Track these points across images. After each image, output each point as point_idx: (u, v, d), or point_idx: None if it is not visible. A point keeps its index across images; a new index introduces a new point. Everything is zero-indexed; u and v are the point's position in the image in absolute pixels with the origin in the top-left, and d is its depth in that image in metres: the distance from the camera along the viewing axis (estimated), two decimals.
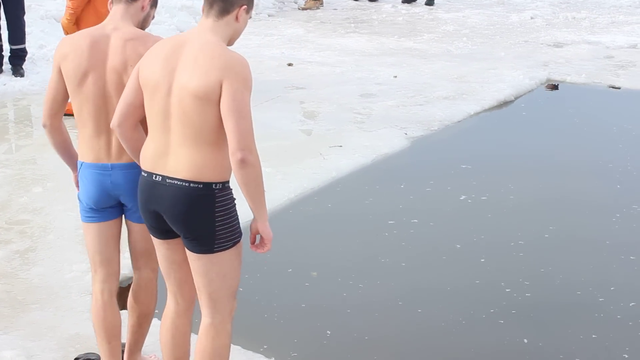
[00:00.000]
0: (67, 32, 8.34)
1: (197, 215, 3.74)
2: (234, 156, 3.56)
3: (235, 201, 3.80)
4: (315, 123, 9.27)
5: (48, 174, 7.62)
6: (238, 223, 3.83)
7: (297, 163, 7.77)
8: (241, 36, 4.08)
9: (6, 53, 10.60)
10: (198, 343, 3.95)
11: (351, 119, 8.98)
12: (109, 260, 4.40)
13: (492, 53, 12.20)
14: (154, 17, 4.43)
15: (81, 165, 4.26)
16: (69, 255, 6.07)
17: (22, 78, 10.42)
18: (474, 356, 5.08)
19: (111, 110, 4.03)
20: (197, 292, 3.94)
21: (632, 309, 5.54)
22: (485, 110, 9.71)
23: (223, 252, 3.81)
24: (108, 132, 4.11)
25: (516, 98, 10.23)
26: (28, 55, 10.69)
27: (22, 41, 10.56)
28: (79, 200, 4.35)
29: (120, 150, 4.10)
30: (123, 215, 4.36)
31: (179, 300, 4.09)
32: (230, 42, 3.83)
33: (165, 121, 3.72)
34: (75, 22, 8.30)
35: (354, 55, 11.85)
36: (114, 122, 3.89)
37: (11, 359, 4.75)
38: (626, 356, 5.02)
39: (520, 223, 6.87)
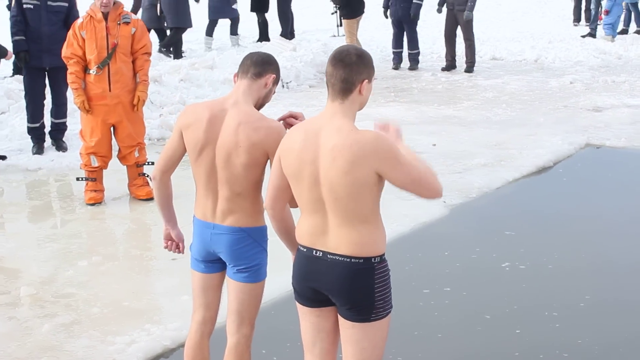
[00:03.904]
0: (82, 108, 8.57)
1: (358, 287, 3.88)
2: (433, 195, 3.89)
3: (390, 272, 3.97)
4: None
5: (93, 247, 7.75)
6: (391, 294, 3.97)
7: None
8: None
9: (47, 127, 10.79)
10: None
11: (390, 189, 8.98)
12: (208, 305, 4.70)
13: (531, 119, 12.22)
14: (274, 92, 4.66)
15: (193, 218, 4.60)
16: (112, 327, 6.11)
17: (65, 153, 10.56)
18: None
19: (219, 178, 4.41)
20: None
21: None
22: (524, 177, 9.71)
23: (378, 321, 3.93)
24: (215, 195, 4.45)
25: (555, 164, 10.21)
26: (68, 131, 10.86)
27: (64, 115, 10.79)
28: (190, 249, 4.69)
29: (224, 213, 4.44)
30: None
31: None
32: (357, 111, 3.96)
33: (319, 205, 3.88)
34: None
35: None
36: (267, 204, 4.15)
37: None
38: None
39: (558, 292, 6.81)
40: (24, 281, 7.01)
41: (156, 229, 8.02)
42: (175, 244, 4.87)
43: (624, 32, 19.33)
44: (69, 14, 10.17)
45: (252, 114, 4.39)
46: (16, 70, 13.04)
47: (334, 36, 18.95)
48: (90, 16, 8.48)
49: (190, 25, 17.13)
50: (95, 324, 6.19)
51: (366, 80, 3.90)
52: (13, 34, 10.23)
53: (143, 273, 7.27)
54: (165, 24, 17.03)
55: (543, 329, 6.17)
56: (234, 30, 18.71)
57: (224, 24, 18.81)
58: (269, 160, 4.33)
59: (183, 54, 17.01)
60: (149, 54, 8.81)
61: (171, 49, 17.02)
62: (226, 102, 4.47)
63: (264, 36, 19.04)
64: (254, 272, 4.51)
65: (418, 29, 16.32)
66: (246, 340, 4.60)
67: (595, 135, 11.20)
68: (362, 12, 15.99)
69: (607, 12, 18.21)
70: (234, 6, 18.08)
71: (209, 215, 4.51)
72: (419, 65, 16.45)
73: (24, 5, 10.13)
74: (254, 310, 4.60)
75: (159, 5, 16.92)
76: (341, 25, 17.53)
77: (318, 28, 20.18)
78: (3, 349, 5.84)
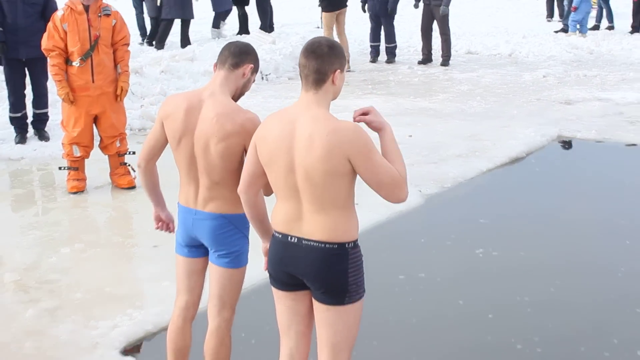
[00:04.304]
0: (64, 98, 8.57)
1: (333, 271, 3.92)
2: (395, 200, 3.88)
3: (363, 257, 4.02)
4: None
5: (75, 235, 7.75)
6: (364, 279, 4.02)
7: None
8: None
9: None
10: None
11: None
12: (191, 290, 4.74)
13: (505, 111, 12.28)
14: (254, 81, 4.68)
15: (178, 205, 4.66)
16: (95, 312, 6.14)
17: (47, 143, 10.55)
18: None
19: (198, 167, 4.47)
20: (319, 343, 4.05)
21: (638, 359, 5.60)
22: (498, 167, 9.77)
23: (352, 304, 3.98)
24: (196, 182, 4.50)
25: (527, 154, 10.26)
26: (50, 121, 10.85)
27: (45, 106, 10.78)
28: (176, 234, 4.74)
29: (205, 200, 4.50)
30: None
31: (294, 355, 4.19)
32: (330, 101, 3.99)
33: (294, 192, 3.91)
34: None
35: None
36: (240, 189, 4.17)
37: None
38: None
39: (526, 278, 6.88)
40: (8, 267, 7.01)
41: (137, 216, 8.07)
42: (165, 224, 4.93)
43: (596, 27, 19.45)
44: (46, 6, 10.10)
45: (227, 105, 4.41)
46: None
47: (318, 27, 18.91)
48: (71, 8, 8.40)
49: (192, 17, 17.20)
50: (78, 309, 6.21)
51: (338, 70, 3.93)
52: None
53: (125, 260, 7.29)
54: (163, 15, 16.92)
55: (515, 313, 6.24)
56: (216, 24, 18.67)
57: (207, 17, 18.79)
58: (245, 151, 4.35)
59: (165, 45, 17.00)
60: (128, 44, 8.81)
61: (151, 40, 17.05)
62: (203, 93, 4.49)
63: (243, 29, 19.00)
64: (235, 257, 4.55)
65: (395, 23, 16.36)
66: (227, 324, 4.64)
67: (566, 128, 11.26)
68: (343, 6, 15.92)
69: (575, 9, 18.31)
70: None
71: (191, 201, 4.56)
72: (396, 59, 16.51)
73: None
74: (235, 295, 4.64)
75: None
76: None
77: (297, 22, 20.20)
78: None
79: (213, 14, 18.77)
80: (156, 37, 16.94)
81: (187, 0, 16.86)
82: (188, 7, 16.92)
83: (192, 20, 17.36)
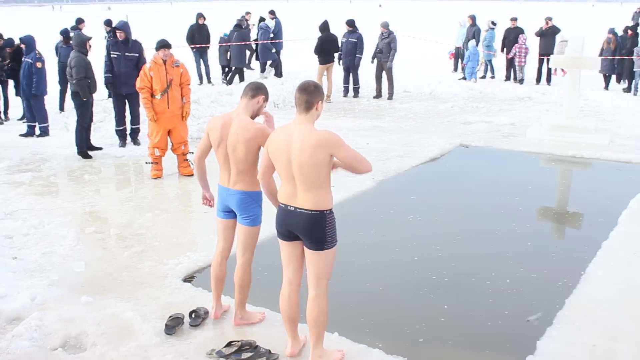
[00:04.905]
0: (151, 119, 8.53)
1: (315, 228, 3.90)
2: (365, 170, 3.93)
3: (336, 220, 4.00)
4: None
5: (155, 205, 7.70)
6: (336, 234, 4.01)
7: None
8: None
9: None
10: (309, 307, 4.06)
11: (341, 170, 8.99)
12: (226, 239, 4.70)
13: (427, 129, 12.21)
14: (265, 107, 4.64)
15: (218, 185, 4.59)
16: (167, 254, 6.12)
17: (139, 147, 10.50)
18: (415, 314, 5.07)
19: (230, 161, 4.43)
20: (308, 275, 4.04)
21: (507, 285, 5.56)
22: (422, 163, 9.69)
23: (328, 250, 3.97)
24: (229, 171, 4.48)
25: (441, 155, 10.20)
26: (140, 132, 10.78)
27: (138, 122, 10.69)
28: (217, 204, 4.67)
29: (234, 182, 4.47)
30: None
31: (292, 282, 4.17)
32: (315, 120, 3.98)
33: (291, 178, 3.92)
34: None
35: (342, 130, 11.72)
36: (259, 176, 4.18)
37: (131, 318, 4.80)
38: (507, 312, 5.06)
39: (439, 233, 6.86)
40: (112, 225, 6.99)
41: (194, 194, 8.00)
42: (208, 201, 4.88)
43: (484, 77, 19.38)
44: (139, 60, 10.08)
45: (246, 121, 4.42)
46: (109, 95, 12.95)
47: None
48: (155, 62, 8.45)
49: (247, 66, 17.59)
50: (156, 252, 6.20)
51: (320, 102, 3.97)
52: (104, 72, 10.17)
53: (186, 221, 7.23)
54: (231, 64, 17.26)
55: (431, 257, 6.23)
56: (262, 69, 18.59)
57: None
58: (260, 150, 4.37)
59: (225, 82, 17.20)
60: (190, 84, 8.82)
61: (226, 79, 17.32)
62: (233, 114, 4.52)
63: (278, 73, 18.81)
64: (253, 219, 4.53)
65: (359, 72, 16.27)
66: (248, 262, 4.61)
67: (465, 139, 11.22)
68: (332, 61, 15.78)
69: (465, 65, 18.30)
70: (272, 51, 18.00)
71: (225, 182, 4.54)
72: (359, 95, 16.42)
73: (111, 55, 10.06)
74: (253, 243, 4.61)
75: (228, 52, 17.13)
76: None
77: (299, 70, 20.07)
78: (100, 268, 5.84)
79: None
80: (228, 78, 17.27)
81: (243, 55, 17.10)
82: (244, 59, 17.27)
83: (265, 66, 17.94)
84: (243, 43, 17.08)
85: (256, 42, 17.85)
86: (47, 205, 7.66)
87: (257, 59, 18.44)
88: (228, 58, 17.33)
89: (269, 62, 18.32)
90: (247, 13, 19.17)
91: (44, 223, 6.98)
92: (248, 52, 17.96)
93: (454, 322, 4.94)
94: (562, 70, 17.71)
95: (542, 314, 4.99)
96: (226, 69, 17.76)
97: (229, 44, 17.22)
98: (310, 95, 3.92)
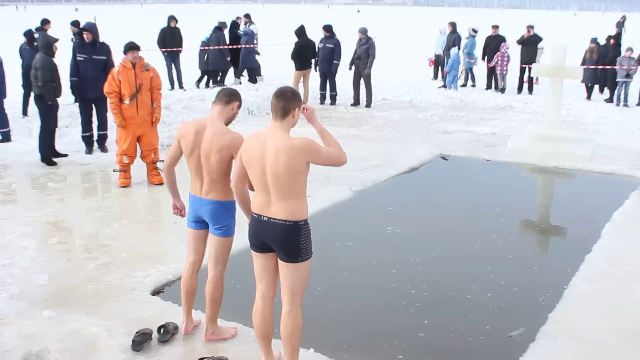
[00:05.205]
0: (119, 124, 8.47)
1: (290, 240, 3.88)
2: (342, 164, 3.99)
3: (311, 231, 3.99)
4: None
5: (123, 215, 7.62)
6: (311, 245, 3.99)
7: None
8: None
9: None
10: (283, 322, 4.03)
11: (317, 180, 9.00)
12: (197, 251, 4.67)
13: (406, 137, 12.25)
14: (238, 114, 4.64)
15: (189, 195, 4.57)
16: (134, 266, 6.05)
17: (106, 154, 10.41)
18: (394, 329, 5.07)
19: (203, 169, 4.39)
20: (282, 288, 4.01)
21: (488, 299, 5.59)
22: (402, 173, 9.72)
23: (303, 262, 3.95)
24: (201, 180, 4.44)
25: (420, 165, 10.24)
26: (108, 139, 10.68)
27: (105, 128, 10.60)
28: (187, 214, 4.64)
29: (207, 191, 4.44)
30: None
31: (265, 296, 4.13)
32: (291, 128, 3.97)
33: (265, 187, 3.89)
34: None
35: (318, 139, 11.77)
36: (233, 184, 4.15)
37: (96, 333, 4.73)
38: (488, 328, 5.08)
39: (417, 245, 6.87)
40: (77, 235, 6.89)
41: (165, 203, 7.92)
42: (179, 210, 4.85)
43: (464, 85, 19.52)
44: (107, 64, 10.02)
45: (221, 128, 4.40)
46: (75, 100, 12.84)
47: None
48: (124, 65, 8.41)
49: (227, 68, 17.73)
50: (123, 264, 6.12)
51: (297, 109, 3.96)
52: (70, 76, 10.10)
53: (155, 231, 7.16)
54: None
55: (410, 269, 6.24)
56: (237, 75, 18.55)
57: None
58: (233, 159, 4.33)
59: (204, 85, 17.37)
60: (161, 89, 8.78)
61: (199, 85, 17.53)
62: (206, 120, 4.49)
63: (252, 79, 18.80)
64: (226, 230, 4.50)
65: (336, 79, 16.31)
66: (220, 274, 4.57)
67: (445, 149, 11.27)
68: (308, 67, 15.83)
69: (447, 73, 18.45)
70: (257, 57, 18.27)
71: (197, 192, 4.51)
72: (336, 102, 16.45)
73: (78, 58, 9.99)
74: (226, 254, 4.58)
75: (206, 56, 17.31)
76: None
77: (273, 76, 20.06)
78: (64, 280, 5.75)
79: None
80: (207, 81, 17.56)
81: (223, 58, 17.23)
82: (223, 62, 17.37)
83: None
84: (220, 47, 17.08)
85: (238, 47, 17.80)
86: (7, 214, 7.54)
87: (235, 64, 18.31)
88: (205, 60, 17.30)
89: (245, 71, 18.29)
90: (245, 16, 18.97)
91: (4, 233, 6.87)
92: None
93: (434, 337, 4.94)
94: (536, 79, 17.93)
95: (524, 329, 5.02)
96: (205, 75, 17.71)
97: (207, 47, 17.21)
98: (287, 102, 3.92)
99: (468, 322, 5.16)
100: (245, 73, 18.33)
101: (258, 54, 18.13)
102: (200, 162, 4.42)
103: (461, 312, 5.33)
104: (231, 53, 17.66)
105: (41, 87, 9.45)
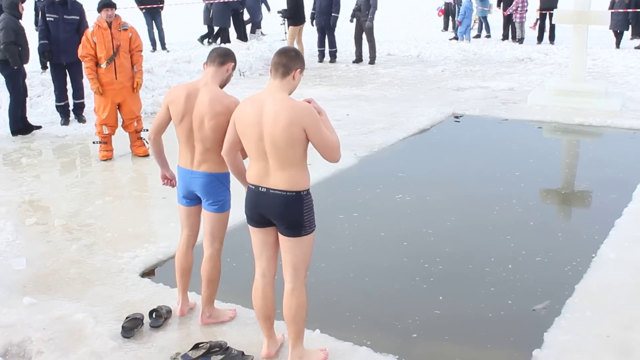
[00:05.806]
0: (95, 91, 8.47)
1: (292, 212, 3.89)
2: (332, 160, 3.90)
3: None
4: None
5: (106, 190, 7.65)
6: (314, 217, 4.00)
7: None
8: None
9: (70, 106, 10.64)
10: (286, 302, 4.05)
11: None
12: (190, 226, 4.71)
13: (415, 96, 12.28)
14: (233, 76, 4.65)
15: (177, 167, 4.56)
16: (121, 246, 6.07)
17: (84, 124, 10.42)
18: (407, 307, 5.09)
19: (195, 138, 4.38)
20: (284, 265, 4.03)
21: (509, 271, 5.61)
22: (410, 136, 9.75)
23: (306, 236, 3.96)
24: (192, 150, 4.44)
25: (431, 127, 10.27)
26: (85, 108, 10.69)
27: (82, 96, 10.59)
28: (177, 189, 4.65)
29: (199, 163, 4.44)
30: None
31: (266, 274, 4.15)
32: (290, 93, 3.95)
33: (262, 155, 3.88)
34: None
35: (318, 101, 11.72)
36: (224, 152, 4.16)
37: (82, 320, 4.77)
38: (510, 302, 5.10)
39: (431, 214, 6.89)
40: (57, 215, 6.92)
41: (151, 177, 7.97)
42: (169, 180, 4.86)
43: (478, 36, 19.44)
44: (80, 24, 9.98)
45: (217, 92, 4.38)
46: (43, 67, 12.84)
47: (283, 40, 18.70)
48: (98, 25, 8.39)
49: (229, 26, 18.22)
50: (108, 245, 6.15)
51: (299, 70, 3.96)
52: (40, 39, 10.05)
53: (142, 208, 7.19)
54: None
55: (422, 241, 6.27)
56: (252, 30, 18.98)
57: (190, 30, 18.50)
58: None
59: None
60: (141, 50, 8.77)
61: (203, 41, 18.21)
62: (199, 83, 4.47)
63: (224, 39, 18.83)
64: (221, 205, 4.51)
65: (335, 33, 16.25)
66: (217, 252, 4.60)
67: (458, 107, 11.29)
68: (303, 21, 15.85)
69: (460, 23, 18.37)
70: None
71: (188, 164, 4.50)
72: (337, 59, 16.40)
73: (47, 18, 9.93)
74: (222, 231, 4.60)
75: (211, 11, 17.80)
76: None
77: (265, 33, 19.94)
78: (44, 264, 5.78)
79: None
80: (211, 37, 18.14)
81: (227, 15, 17.65)
82: (227, 19, 17.89)
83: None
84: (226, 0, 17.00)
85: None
86: None
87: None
88: (210, 17, 17.31)
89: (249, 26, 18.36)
90: None
91: None
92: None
93: (451, 314, 4.98)
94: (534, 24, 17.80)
95: (549, 302, 5.05)
96: (212, 31, 17.85)
97: (211, 0, 17.12)
98: (289, 60, 3.91)
99: (487, 297, 5.19)
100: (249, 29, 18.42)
101: (268, 7, 18.08)
102: (192, 129, 4.39)
103: (479, 286, 5.37)
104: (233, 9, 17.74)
105: (4, 50, 9.39)
